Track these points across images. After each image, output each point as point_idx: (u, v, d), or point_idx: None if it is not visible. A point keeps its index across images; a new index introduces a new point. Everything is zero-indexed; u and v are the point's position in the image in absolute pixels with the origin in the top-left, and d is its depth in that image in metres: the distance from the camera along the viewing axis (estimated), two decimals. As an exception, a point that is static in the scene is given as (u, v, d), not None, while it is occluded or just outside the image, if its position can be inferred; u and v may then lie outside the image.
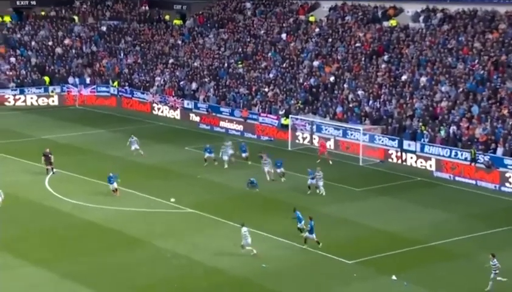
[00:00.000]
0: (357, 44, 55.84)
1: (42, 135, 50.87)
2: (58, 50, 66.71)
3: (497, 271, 26.39)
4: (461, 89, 46.54)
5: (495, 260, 26.53)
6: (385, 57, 53.06)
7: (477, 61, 48.43)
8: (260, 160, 40.58)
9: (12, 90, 61.48)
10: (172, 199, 35.24)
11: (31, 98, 61.52)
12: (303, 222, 31.02)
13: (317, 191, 37.20)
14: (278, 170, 39.62)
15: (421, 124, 44.64)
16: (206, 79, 58.96)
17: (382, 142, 45.11)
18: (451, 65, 49.22)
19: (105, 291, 26.41)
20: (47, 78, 62.86)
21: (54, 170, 40.51)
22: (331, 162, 43.41)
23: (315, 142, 47.48)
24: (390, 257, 29.62)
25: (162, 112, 58.29)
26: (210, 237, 31.64)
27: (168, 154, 45.97)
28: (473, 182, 40.17)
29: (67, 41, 67.92)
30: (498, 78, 46.17)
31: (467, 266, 28.89)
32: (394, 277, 27.50)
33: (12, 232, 32.14)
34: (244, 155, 43.51)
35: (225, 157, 42.53)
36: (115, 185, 36.87)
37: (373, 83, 50.83)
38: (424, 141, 43.71)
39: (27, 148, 46.70)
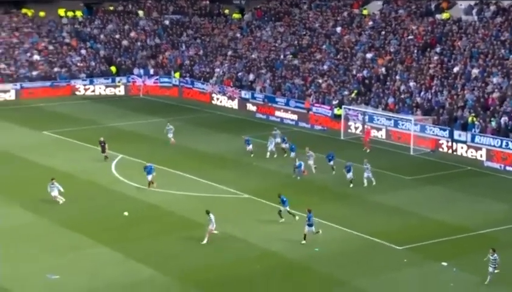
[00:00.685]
0: (410, 37, 55.02)
1: (109, 123, 51.90)
2: (124, 42, 67.86)
3: (496, 265, 25.58)
4: (512, 81, 45.44)
5: (495, 254, 25.63)
6: (438, 49, 52.16)
7: (529, 53, 47.17)
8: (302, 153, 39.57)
9: (82, 80, 62.92)
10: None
11: (100, 88, 62.81)
12: (287, 206, 30.81)
13: (364, 182, 36.21)
14: (329, 163, 38.65)
15: (472, 115, 43.72)
16: (263, 71, 59.04)
17: (433, 132, 44.45)
18: (504, 57, 48.06)
19: (166, 271, 26.83)
20: (113, 68, 64.09)
21: (107, 157, 41.01)
22: (368, 150, 42.92)
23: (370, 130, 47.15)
24: (439, 243, 29.30)
25: (221, 102, 58.67)
26: (265, 222, 31.81)
27: (225, 142, 46.25)
28: (524, 172, 39.31)
29: (132, 34, 69.02)
30: (550, 70, 44.89)
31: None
32: (444, 263, 27.17)
33: (82, 214, 32.94)
34: (284, 146, 42.00)
35: (271, 147, 41.73)
36: (149, 177, 36.01)
37: (424, 75, 50.05)
38: (474, 131, 42.87)
39: (95, 135, 47.72)
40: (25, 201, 34.36)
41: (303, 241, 29.13)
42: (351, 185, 36.24)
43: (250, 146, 42.48)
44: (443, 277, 26.25)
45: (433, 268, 27.01)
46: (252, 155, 42.14)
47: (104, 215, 32.91)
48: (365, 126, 46.51)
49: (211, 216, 29.32)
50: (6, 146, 44.82)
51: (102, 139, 41.73)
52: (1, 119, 52.69)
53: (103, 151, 41.27)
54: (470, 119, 43.34)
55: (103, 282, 25.90)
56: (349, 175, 36.38)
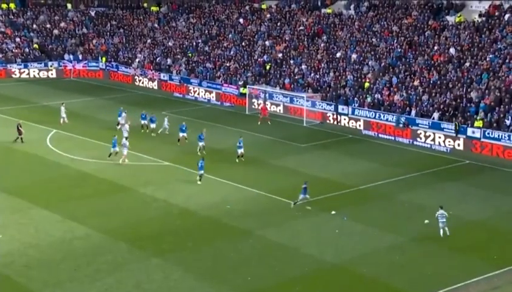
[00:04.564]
0: (301, 28, 55.30)
1: (44, 102, 49.39)
2: (55, 31, 64.65)
3: (444, 220, 24.83)
4: (383, 64, 46.64)
5: (442, 210, 25.05)
6: (324, 38, 52.72)
7: (395, 41, 48.50)
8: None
9: (18, 65, 59.36)
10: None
11: (34, 71, 59.55)
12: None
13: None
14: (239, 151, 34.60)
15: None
16: (178, 56, 57.79)
17: (322, 106, 45.06)
18: (375, 44, 49.19)
19: (99, 229, 25.87)
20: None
21: (23, 139, 37.17)
22: (269, 123, 43.08)
23: (268, 107, 47.15)
24: (328, 198, 29.74)
25: (143, 83, 57.10)
26: (185, 185, 31.20)
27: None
28: (393, 138, 40.54)
29: (62, 24, 65.85)
30: (412, 55, 46.41)
31: (390, 204, 29.21)
32: (333, 212, 27.65)
33: (20, 180, 31.29)
34: (181, 135, 37.34)
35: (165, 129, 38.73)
36: (117, 149, 34.10)
37: (313, 59, 50.54)
38: (354, 106, 43.80)
39: (32, 113, 45.33)
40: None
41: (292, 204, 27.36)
42: (237, 160, 34.24)
43: (145, 121, 39.78)
44: (332, 224, 26.72)
45: (325, 217, 27.42)
46: (153, 133, 39.32)
47: (40, 181, 31.38)
48: (261, 104, 46.13)
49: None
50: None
51: (20, 122, 38.15)
52: None
53: (20, 133, 37.42)
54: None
55: (44, 240, 24.79)
56: (240, 151, 34.21)
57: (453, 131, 38.22)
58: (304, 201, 28.32)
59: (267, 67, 51.61)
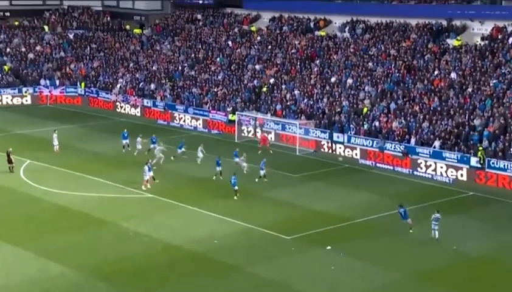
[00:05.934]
0: (293, 51, 56.12)
1: (17, 131, 49.47)
2: (30, 55, 65.00)
3: (437, 223, 28.36)
4: (380, 89, 47.33)
5: (438, 214, 28.57)
6: (317, 62, 53.48)
7: (393, 65, 49.32)
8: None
9: (-11, 91, 59.65)
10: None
11: (7, 98, 59.76)
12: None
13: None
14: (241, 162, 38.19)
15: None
16: (163, 81, 58.31)
17: (315, 134, 45.49)
18: (372, 69, 49.97)
19: (76, 267, 25.82)
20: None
21: (13, 167, 38.03)
22: (271, 152, 43.48)
23: (258, 135, 47.58)
24: (324, 232, 29.87)
25: (124, 109, 57.46)
26: (169, 219, 31.32)
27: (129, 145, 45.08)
28: (392, 167, 40.92)
29: (38, 48, 66.27)
30: (411, 79, 47.18)
31: (389, 239, 29.35)
32: (329, 247, 27.75)
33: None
34: (179, 151, 40.85)
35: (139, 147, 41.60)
36: (151, 173, 34.97)
37: (306, 84, 51.19)
38: (350, 133, 44.27)
39: (4, 142, 45.32)
40: None
41: (411, 230, 29.52)
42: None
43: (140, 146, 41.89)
44: (328, 260, 26.81)
45: (320, 253, 27.52)
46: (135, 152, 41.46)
47: (12, 216, 31.29)
48: (261, 134, 46.27)
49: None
50: None
51: (10, 149, 38.79)
52: None
53: (10, 162, 38.26)
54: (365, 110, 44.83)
55: (15, 280, 24.66)
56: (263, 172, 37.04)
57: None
58: (410, 224, 29.55)
59: (264, 90, 51.56)
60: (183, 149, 41.34)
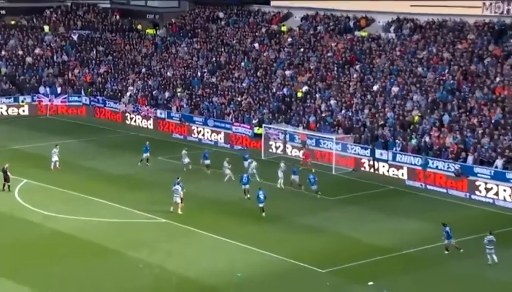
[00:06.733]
0: (329, 54, 56.27)
1: (13, 145, 50.32)
2: (29, 59, 66.14)
3: (493, 246, 29.01)
4: (431, 99, 47.14)
5: (491, 236, 29.26)
6: (357, 67, 53.53)
7: (446, 70, 49.11)
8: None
9: (-19, 100, 60.88)
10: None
11: (1, 108, 60.90)
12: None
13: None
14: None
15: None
16: (179, 89, 58.88)
17: (355, 150, 45.42)
18: (421, 75, 49.84)
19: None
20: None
21: (10, 186, 38.96)
22: (313, 171, 43.08)
23: (288, 151, 47.60)
24: (364, 265, 29.74)
25: (135, 121, 58.08)
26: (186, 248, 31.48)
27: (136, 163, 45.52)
28: (445, 190, 40.61)
29: (37, 51, 67.38)
30: (468, 87, 46.89)
31: (440, 274, 29.09)
32: (370, 283, 27.62)
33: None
34: (205, 162, 43.60)
35: (185, 161, 43.63)
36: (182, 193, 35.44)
37: (345, 93, 51.23)
38: (396, 150, 44.12)
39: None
40: None
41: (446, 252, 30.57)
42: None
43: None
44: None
45: (358, 289, 27.38)
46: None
47: (6, 245, 31.63)
48: (304, 151, 46.08)
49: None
50: None
51: (6, 166, 39.66)
52: None
53: (6, 180, 39.12)
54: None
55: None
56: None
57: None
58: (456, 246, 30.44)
59: (299, 95, 51.43)
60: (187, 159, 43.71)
